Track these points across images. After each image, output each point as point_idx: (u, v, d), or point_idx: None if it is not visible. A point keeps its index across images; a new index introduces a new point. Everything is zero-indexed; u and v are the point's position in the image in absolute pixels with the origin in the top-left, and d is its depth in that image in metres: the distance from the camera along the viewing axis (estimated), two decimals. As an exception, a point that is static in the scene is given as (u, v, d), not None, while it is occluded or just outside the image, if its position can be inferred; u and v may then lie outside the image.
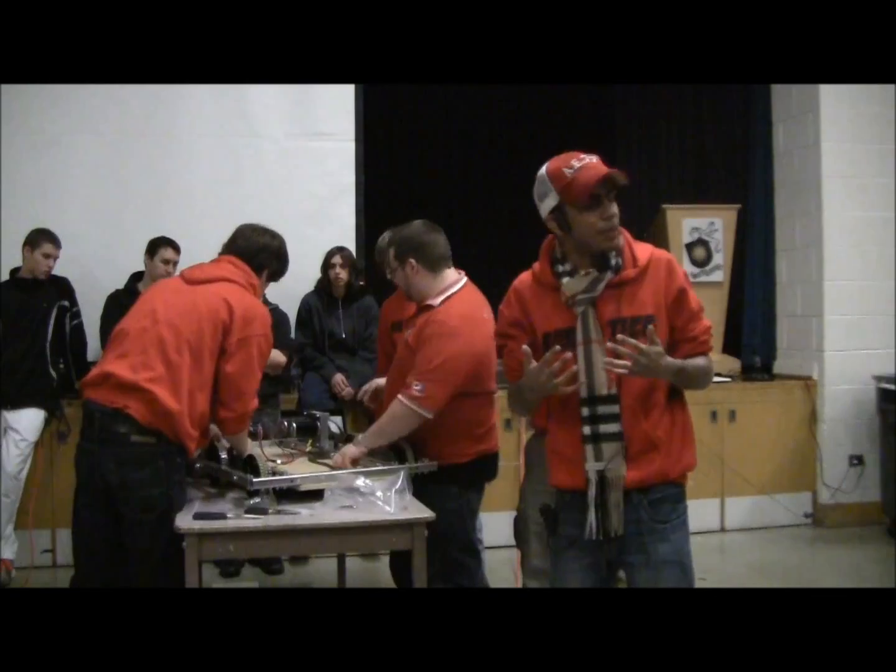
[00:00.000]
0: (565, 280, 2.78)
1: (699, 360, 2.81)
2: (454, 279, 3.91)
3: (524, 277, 2.94)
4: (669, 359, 2.68)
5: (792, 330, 7.40)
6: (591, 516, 2.75)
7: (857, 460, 6.95)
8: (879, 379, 6.81)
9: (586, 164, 2.72)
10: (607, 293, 2.76)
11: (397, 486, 3.43)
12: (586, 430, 2.76)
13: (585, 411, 2.75)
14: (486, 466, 4.00)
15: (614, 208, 2.74)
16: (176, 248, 5.74)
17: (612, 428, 2.75)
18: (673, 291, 2.78)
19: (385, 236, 4.79)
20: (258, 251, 3.73)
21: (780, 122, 7.49)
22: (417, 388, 3.68)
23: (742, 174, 7.98)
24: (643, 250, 2.81)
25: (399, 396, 3.73)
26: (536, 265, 2.91)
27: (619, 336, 2.64)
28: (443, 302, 3.82)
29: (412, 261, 3.85)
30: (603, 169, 2.71)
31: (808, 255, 7.13)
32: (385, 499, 3.39)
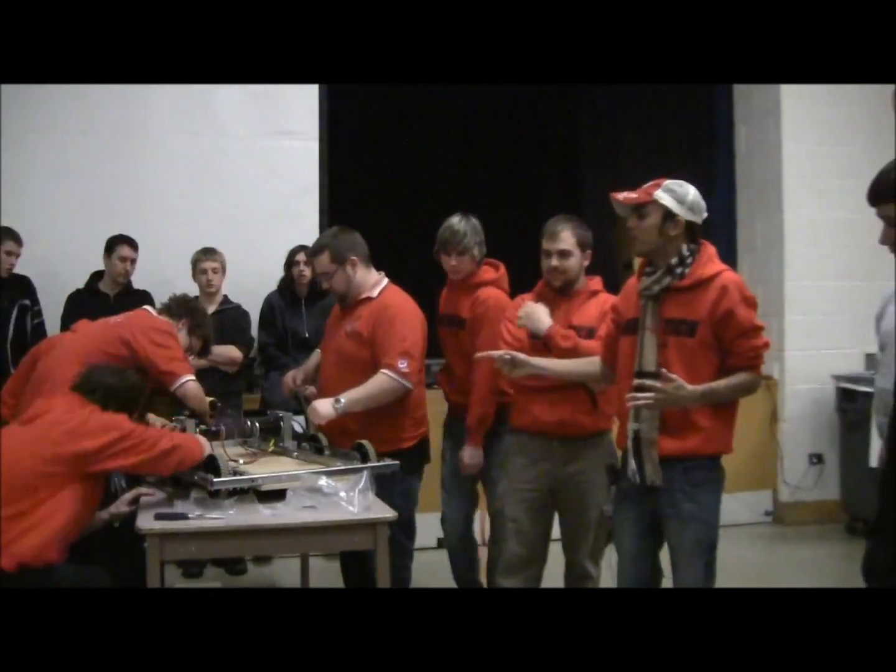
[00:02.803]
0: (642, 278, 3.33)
1: (739, 376, 3.24)
2: (379, 275, 4.13)
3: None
4: (691, 387, 3.12)
5: (753, 330, 7.42)
6: (632, 463, 3.29)
7: (816, 459, 7.02)
8: (839, 378, 6.89)
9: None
10: (672, 295, 3.25)
11: (360, 486, 3.43)
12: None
13: (635, 381, 3.21)
14: (424, 450, 4.09)
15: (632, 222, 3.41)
16: (133, 246, 5.70)
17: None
18: (721, 310, 3.20)
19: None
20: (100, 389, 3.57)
21: (742, 124, 7.54)
22: (403, 364, 3.85)
23: (704, 175, 8.01)
24: (711, 269, 3.26)
25: (386, 371, 3.87)
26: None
27: (637, 382, 3.17)
28: (381, 293, 3.94)
29: (354, 258, 4.00)
30: None
31: (769, 255, 7.19)
32: (348, 499, 3.38)
